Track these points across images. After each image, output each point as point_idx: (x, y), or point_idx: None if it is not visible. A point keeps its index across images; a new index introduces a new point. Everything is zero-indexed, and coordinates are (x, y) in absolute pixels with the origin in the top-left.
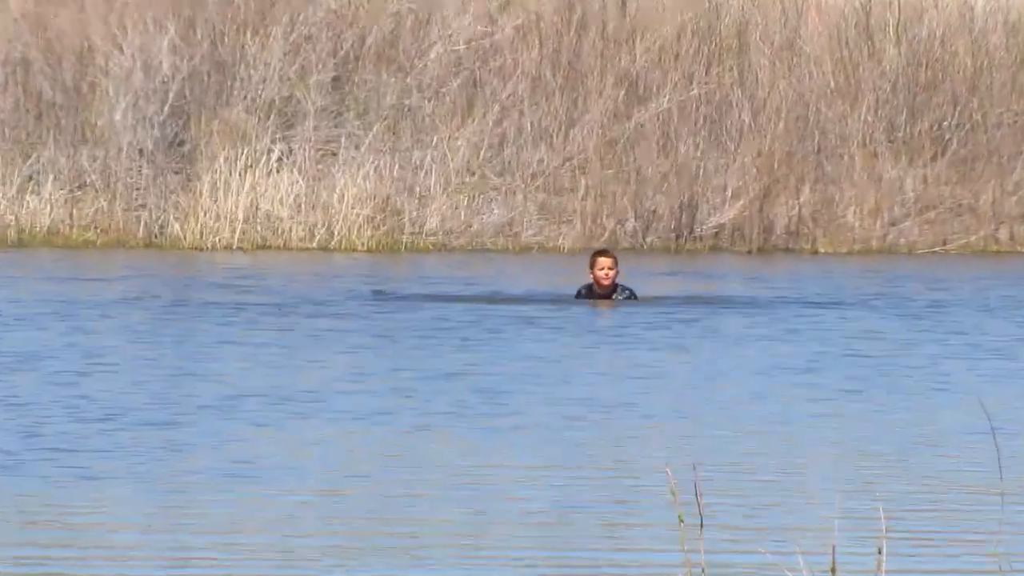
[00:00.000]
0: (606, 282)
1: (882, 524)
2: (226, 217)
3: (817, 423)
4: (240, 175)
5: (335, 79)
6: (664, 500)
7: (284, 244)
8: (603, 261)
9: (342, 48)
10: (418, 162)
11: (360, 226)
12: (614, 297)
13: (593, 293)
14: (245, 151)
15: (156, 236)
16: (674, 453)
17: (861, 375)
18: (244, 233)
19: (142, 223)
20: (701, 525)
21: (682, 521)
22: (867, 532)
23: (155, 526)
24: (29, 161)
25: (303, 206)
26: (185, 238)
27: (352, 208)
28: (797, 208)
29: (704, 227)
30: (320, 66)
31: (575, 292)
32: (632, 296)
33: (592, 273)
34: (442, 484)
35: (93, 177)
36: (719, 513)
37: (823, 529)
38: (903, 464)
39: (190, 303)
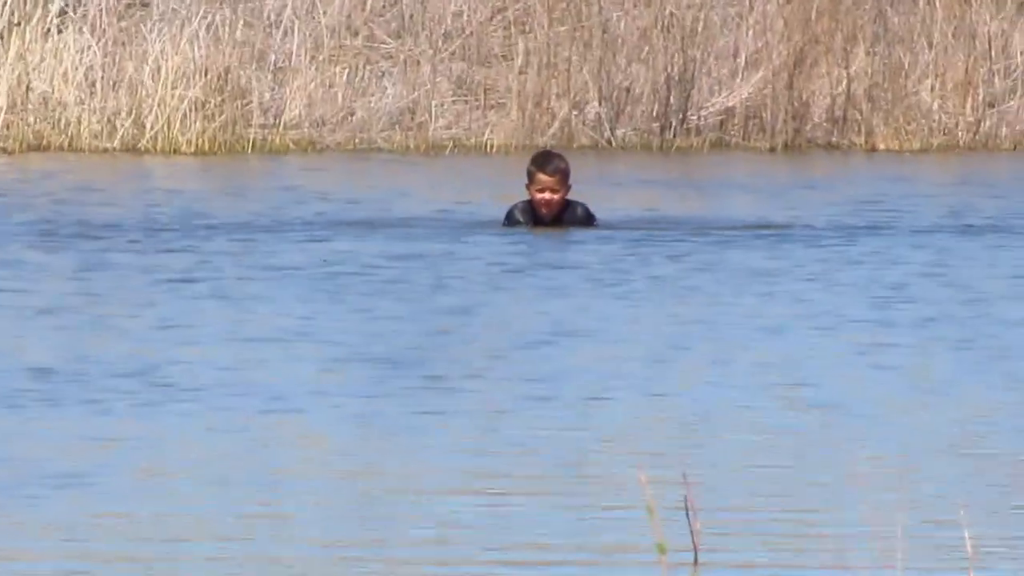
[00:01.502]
0: (546, 209)
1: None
2: None
3: (870, 403)
4: (1, 38)
5: None
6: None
7: (70, 143)
8: (544, 179)
9: None
10: (273, 17)
11: (185, 115)
12: (566, 225)
13: (531, 217)
14: (9, 1)
15: None
16: (656, 450)
17: (935, 333)
18: (9, 127)
19: None
20: (695, 562)
21: (664, 553)
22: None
23: None
24: None
25: (99, 85)
26: None
27: (172, 88)
28: (846, 82)
29: (704, 113)
30: None
31: (504, 216)
32: (588, 219)
33: (530, 191)
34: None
35: None
36: (724, 545)
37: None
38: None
39: None
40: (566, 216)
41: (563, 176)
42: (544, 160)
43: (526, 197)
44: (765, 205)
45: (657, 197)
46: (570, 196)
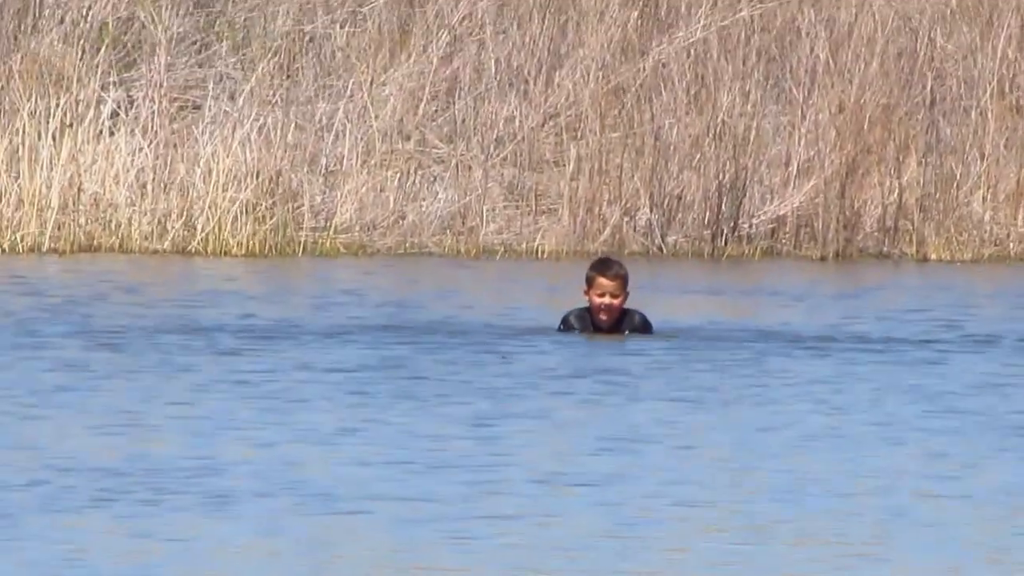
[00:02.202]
0: (606, 316)
1: None
2: (32, 203)
3: (928, 525)
4: (54, 138)
5: None
6: None
7: (121, 244)
8: (605, 283)
9: None
10: (325, 120)
11: (236, 218)
12: (623, 332)
13: (588, 324)
14: (62, 102)
15: None
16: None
17: (989, 447)
18: (60, 227)
19: None
20: None
21: None
22: None
23: None
24: None
25: (150, 187)
26: None
27: (224, 191)
28: (897, 192)
29: (756, 221)
30: None
31: (559, 322)
32: (646, 327)
33: (589, 296)
34: None
35: None
36: None
37: None
38: None
39: None
40: (624, 324)
41: (623, 281)
42: (605, 265)
43: (582, 304)
44: (817, 314)
45: (709, 305)
46: (627, 305)
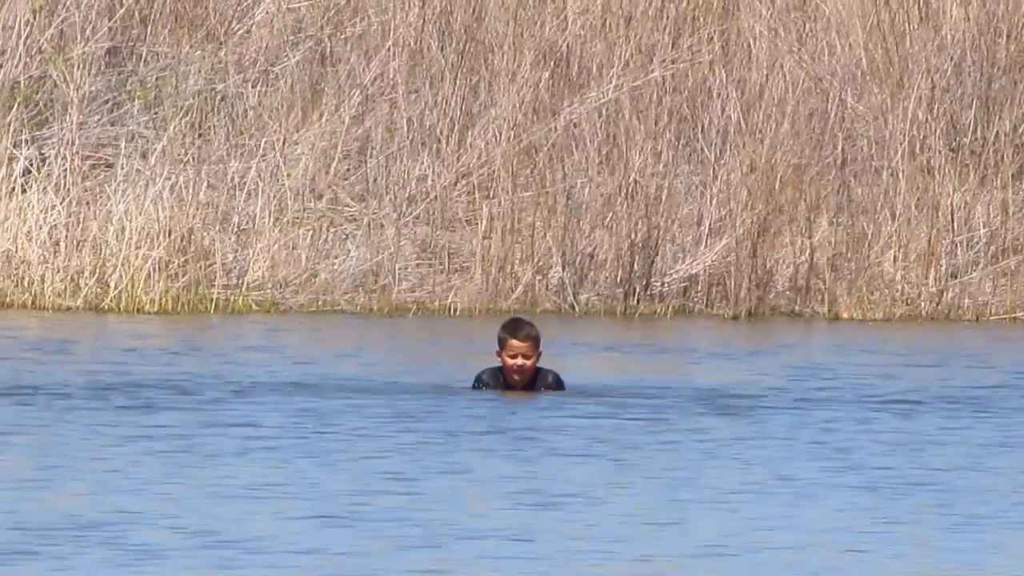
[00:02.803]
0: (518, 376)
1: None
2: None
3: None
4: None
5: (111, 51)
6: None
7: (34, 301)
8: (517, 344)
9: (121, 5)
10: (237, 179)
11: (149, 275)
12: (537, 391)
13: (501, 383)
14: None
15: None
16: None
17: (899, 508)
18: None
19: None
20: None
21: None
22: None
23: None
24: None
25: (62, 244)
26: None
27: (137, 248)
28: (809, 251)
29: (668, 280)
30: (88, 32)
31: (473, 380)
32: (559, 385)
33: (501, 357)
34: None
35: None
36: None
37: None
38: None
39: None
40: (537, 383)
41: (535, 342)
42: (516, 326)
43: (494, 364)
44: (728, 371)
45: (621, 363)
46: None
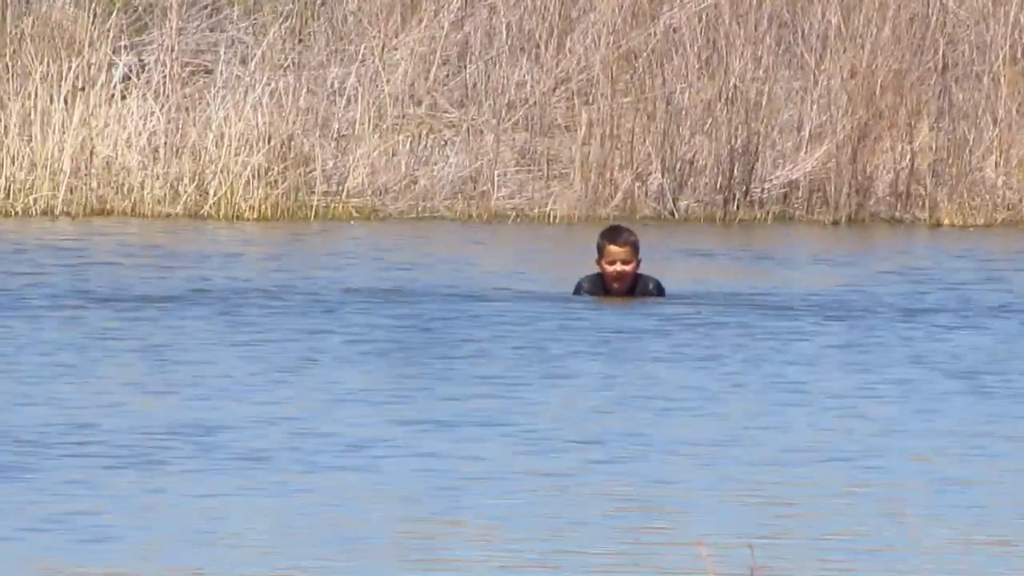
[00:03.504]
0: (618, 283)
1: None
2: (45, 166)
3: (938, 484)
4: (66, 102)
5: None
6: None
7: (133, 208)
8: (616, 250)
9: None
10: (336, 84)
11: (248, 182)
12: (638, 295)
13: (601, 290)
14: (73, 66)
15: None
16: (719, 523)
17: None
18: (72, 191)
19: None
20: None
21: None
22: None
23: None
24: None
25: (162, 151)
26: None
27: (236, 155)
28: (909, 157)
29: (768, 186)
30: None
31: (574, 287)
32: (660, 293)
33: (601, 264)
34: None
35: None
36: None
37: None
38: None
39: None
40: (638, 289)
41: (634, 248)
42: (615, 232)
43: (594, 271)
44: (830, 277)
45: (722, 269)
46: (640, 271)
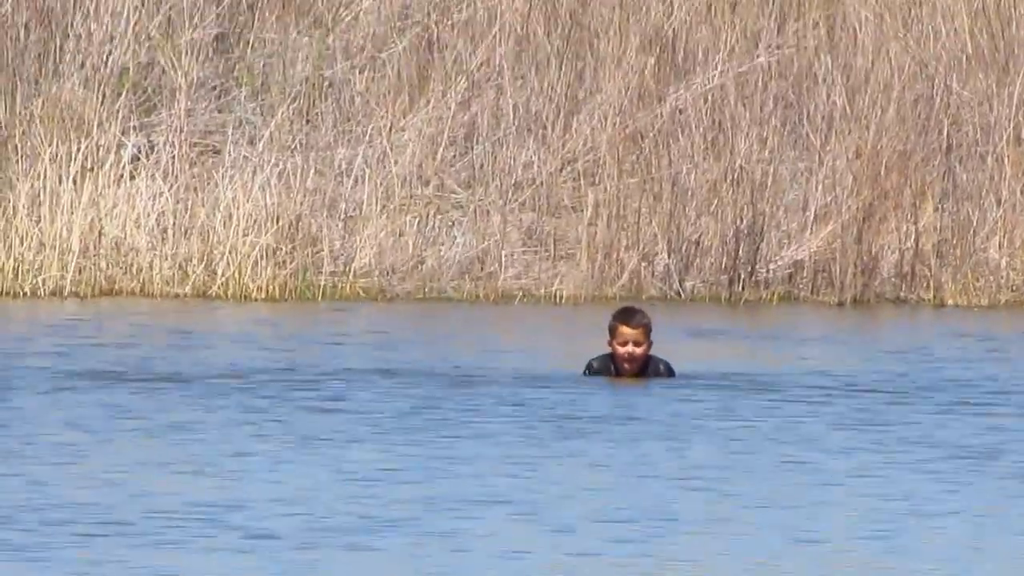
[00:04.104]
0: (629, 365)
1: None
2: (54, 246)
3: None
4: (75, 183)
5: (219, 38)
6: None
7: (142, 288)
8: (628, 332)
9: None
10: (344, 165)
11: (256, 262)
12: (648, 376)
13: (611, 371)
14: (82, 146)
15: None
16: None
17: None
18: (81, 271)
19: None
20: None
21: None
22: None
23: None
24: None
25: (170, 231)
26: None
27: (244, 235)
28: (914, 237)
29: (773, 266)
30: (196, 18)
31: (584, 368)
32: (669, 373)
33: (612, 346)
34: None
35: None
36: None
37: None
38: None
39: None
40: (648, 371)
41: (646, 330)
42: (627, 314)
43: (604, 352)
44: (837, 357)
45: (730, 349)
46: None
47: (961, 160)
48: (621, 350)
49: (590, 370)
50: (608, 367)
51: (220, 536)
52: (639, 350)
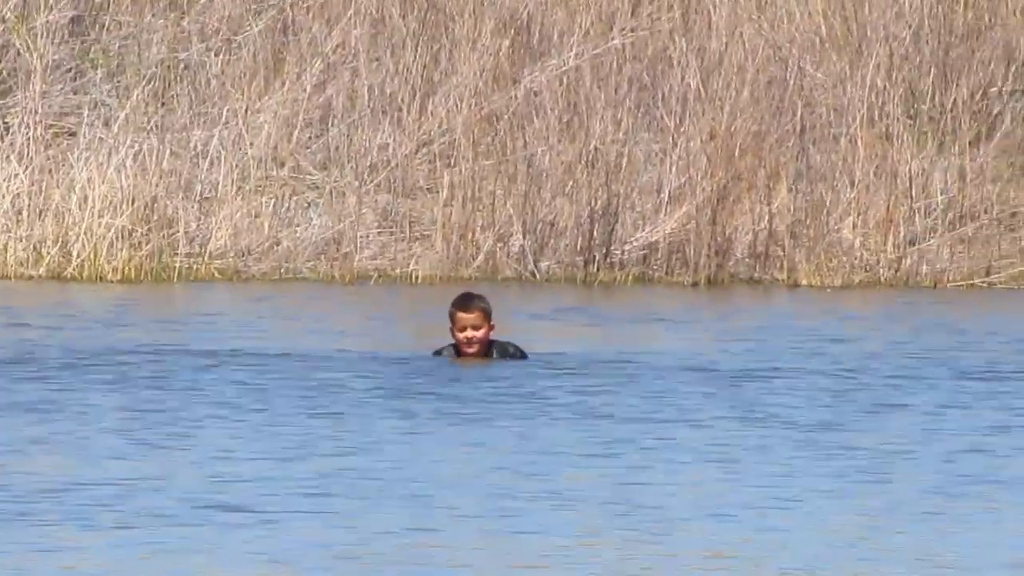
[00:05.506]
0: (470, 349)
1: None
2: None
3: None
4: None
5: (74, 20)
6: None
7: None
8: (465, 317)
9: None
10: (199, 147)
11: (112, 244)
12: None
13: (459, 355)
14: None
15: None
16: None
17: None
18: None
19: None
20: None
21: None
22: None
23: None
24: None
25: (25, 212)
26: None
27: (99, 217)
28: (767, 218)
29: (628, 247)
30: (52, 1)
31: (433, 351)
32: (519, 355)
33: (453, 333)
34: None
35: None
36: None
37: None
38: None
39: None
40: (496, 354)
41: (484, 313)
42: (463, 300)
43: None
44: (691, 338)
45: (581, 331)
46: (495, 336)
47: (815, 142)
48: (461, 336)
49: (438, 354)
50: (454, 355)
51: (94, 514)
52: (478, 333)
